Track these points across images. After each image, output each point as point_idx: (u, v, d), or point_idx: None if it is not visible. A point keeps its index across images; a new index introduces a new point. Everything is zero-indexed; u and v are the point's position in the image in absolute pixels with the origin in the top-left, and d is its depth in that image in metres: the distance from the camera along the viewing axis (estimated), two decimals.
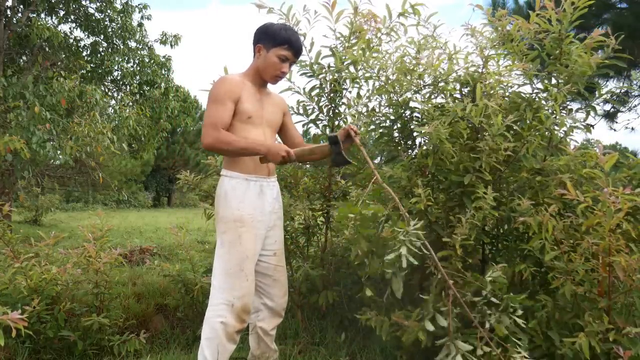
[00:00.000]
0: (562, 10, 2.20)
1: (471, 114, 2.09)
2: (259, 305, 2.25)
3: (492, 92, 2.25)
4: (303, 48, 2.14)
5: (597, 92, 2.43)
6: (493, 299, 1.86)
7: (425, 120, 2.43)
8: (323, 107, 2.67)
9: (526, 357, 1.78)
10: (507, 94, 2.40)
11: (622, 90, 5.75)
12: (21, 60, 8.21)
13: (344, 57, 2.56)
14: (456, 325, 1.87)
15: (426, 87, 2.51)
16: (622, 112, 6.37)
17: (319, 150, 2.11)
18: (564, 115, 2.25)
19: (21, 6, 7.62)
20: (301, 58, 2.59)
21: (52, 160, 7.24)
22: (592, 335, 1.83)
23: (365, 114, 2.60)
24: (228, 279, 2.03)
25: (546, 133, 2.35)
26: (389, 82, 2.48)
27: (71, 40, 8.46)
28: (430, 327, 1.81)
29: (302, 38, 2.51)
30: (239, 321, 2.04)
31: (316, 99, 2.69)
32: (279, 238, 2.25)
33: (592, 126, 2.38)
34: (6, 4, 7.23)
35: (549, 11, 2.23)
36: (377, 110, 2.65)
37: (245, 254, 2.05)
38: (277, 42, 2.06)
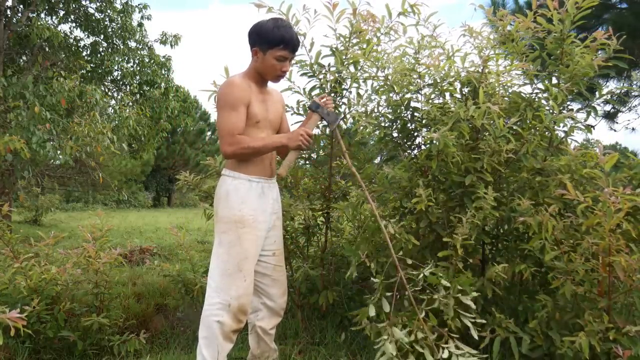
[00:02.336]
0: (565, 11, 2.20)
1: (474, 117, 2.10)
2: (258, 305, 2.25)
3: (492, 92, 2.25)
4: (299, 40, 2.10)
5: (597, 93, 2.44)
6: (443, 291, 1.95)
7: (425, 121, 2.43)
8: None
9: (459, 348, 1.82)
10: (507, 94, 2.41)
11: (622, 91, 5.75)
12: (21, 60, 8.20)
13: (344, 57, 2.56)
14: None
15: (426, 87, 2.51)
16: (622, 112, 6.37)
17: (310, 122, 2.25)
18: (564, 114, 2.25)
19: (21, 6, 7.62)
20: (301, 58, 2.59)
21: (52, 160, 7.24)
22: (592, 335, 1.83)
23: (364, 115, 2.60)
24: (226, 279, 2.03)
25: (546, 133, 2.35)
26: (388, 82, 2.48)
27: (71, 40, 8.46)
28: (372, 312, 1.89)
29: (302, 38, 2.50)
30: (236, 321, 2.04)
31: (316, 99, 2.68)
32: (278, 238, 2.25)
33: (593, 126, 2.38)
34: (6, 4, 7.23)
35: (550, 10, 2.23)
36: (377, 110, 2.65)
37: (244, 254, 2.05)
38: (272, 43, 2.01)
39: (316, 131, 2.78)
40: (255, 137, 2.07)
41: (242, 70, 2.14)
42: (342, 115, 2.32)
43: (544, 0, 2.26)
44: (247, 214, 2.06)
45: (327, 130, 2.20)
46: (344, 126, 2.77)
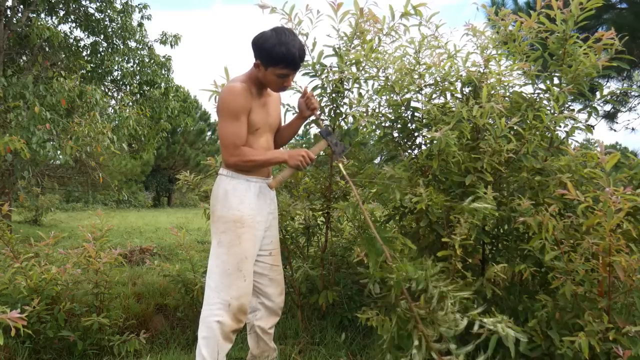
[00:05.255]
0: (569, 11, 2.20)
1: (476, 116, 2.09)
2: (257, 304, 2.25)
3: (492, 92, 2.25)
4: (304, 54, 2.05)
5: (598, 93, 2.44)
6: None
7: (426, 120, 2.43)
8: (325, 107, 2.67)
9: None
10: (507, 94, 2.41)
11: (622, 91, 5.76)
12: (21, 60, 8.20)
13: (346, 57, 2.56)
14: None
15: (427, 87, 2.51)
16: (622, 112, 6.37)
17: (296, 126, 2.34)
18: (565, 114, 2.25)
19: (21, 6, 7.62)
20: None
21: (52, 160, 7.24)
22: (591, 335, 1.83)
23: (366, 115, 2.60)
24: (225, 279, 2.03)
25: (547, 133, 2.35)
26: (389, 82, 2.48)
27: (71, 40, 8.47)
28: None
29: (304, 38, 2.50)
30: (236, 321, 2.04)
31: (318, 99, 2.69)
32: (275, 238, 2.26)
33: (593, 126, 2.38)
34: (6, 4, 7.23)
35: (554, 10, 2.23)
36: (377, 110, 2.65)
37: (244, 254, 2.05)
38: (273, 62, 1.96)
39: (317, 130, 2.78)
40: (257, 149, 2.08)
41: (245, 72, 2.11)
42: (349, 147, 2.36)
43: (548, 1, 2.26)
44: (246, 214, 2.06)
45: (333, 158, 2.20)
46: (345, 126, 2.77)
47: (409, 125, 2.58)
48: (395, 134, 2.65)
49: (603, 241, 1.82)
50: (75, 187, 10.04)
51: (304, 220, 2.99)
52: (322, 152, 2.77)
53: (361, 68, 2.57)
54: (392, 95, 2.56)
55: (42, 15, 8.05)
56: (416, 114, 2.55)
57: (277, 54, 1.94)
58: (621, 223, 1.81)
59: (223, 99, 2.00)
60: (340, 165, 2.14)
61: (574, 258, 1.93)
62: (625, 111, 6.35)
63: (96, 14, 8.35)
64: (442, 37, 2.50)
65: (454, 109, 2.25)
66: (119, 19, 8.41)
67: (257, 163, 2.04)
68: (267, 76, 2.02)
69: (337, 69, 2.55)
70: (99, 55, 8.53)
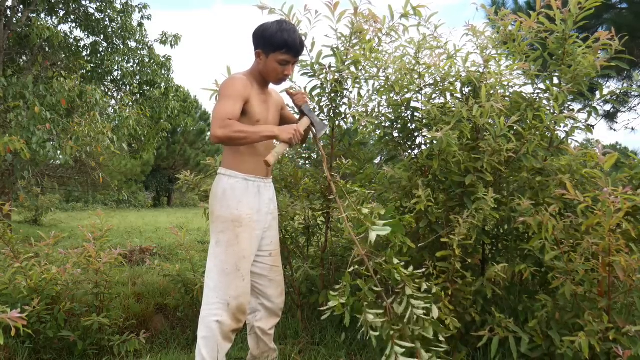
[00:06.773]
0: (568, 11, 2.21)
1: (476, 116, 2.10)
2: (257, 305, 2.25)
3: (492, 92, 2.25)
4: (304, 44, 2.09)
5: (598, 93, 2.44)
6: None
7: (426, 120, 2.43)
8: (324, 107, 2.67)
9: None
10: (507, 94, 2.41)
11: (622, 91, 5.76)
12: (21, 60, 8.20)
13: (345, 57, 2.56)
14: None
15: (427, 86, 2.51)
16: (622, 112, 6.37)
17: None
18: (565, 114, 2.25)
19: (21, 6, 7.62)
20: (302, 58, 2.59)
21: (52, 160, 7.24)
22: (591, 335, 1.83)
23: (365, 115, 2.60)
24: (224, 279, 2.03)
25: (547, 133, 2.35)
26: (389, 82, 2.49)
27: (71, 40, 8.47)
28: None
29: (303, 37, 2.51)
30: (235, 321, 2.04)
31: (317, 99, 2.69)
32: (274, 239, 2.25)
33: (593, 126, 2.38)
34: (6, 4, 7.23)
35: (553, 10, 2.23)
36: (377, 110, 2.65)
37: (242, 254, 2.05)
38: (275, 47, 2.01)
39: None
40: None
41: (245, 70, 2.14)
42: (328, 127, 2.44)
43: (548, 1, 2.26)
44: (244, 213, 2.06)
45: (312, 136, 2.23)
46: (345, 126, 2.77)
47: (409, 125, 2.58)
48: (395, 134, 2.65)
49: (603, 241, 1.82)
50: (75, 187, 10.04)
51: (304, 220, 2.99)
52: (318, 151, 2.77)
53: (360, 68, 2.57)
54: (392, 95, 2.56)
55: (42, 15, 8.05)
56: (416, 114, 2.55)
57: (279, 39, 2.00)
58: (621, 223, 1.81)
59: (222, 85, 2.04)
60: (326, 169, 2.15)
61: (574, 258, 1.93)
62: (625, 111, 6.35)
63: (96, 14, 8.35)
64: (441, 37, 2.50)
65: (453, 109, 2.26)
66: (119, 19, 8.41)
67: (247, 134, 1.94)
68: (268, 64, 2.05)
69: (335, 68, 2.55)
70: (99, 55, 8.53)
